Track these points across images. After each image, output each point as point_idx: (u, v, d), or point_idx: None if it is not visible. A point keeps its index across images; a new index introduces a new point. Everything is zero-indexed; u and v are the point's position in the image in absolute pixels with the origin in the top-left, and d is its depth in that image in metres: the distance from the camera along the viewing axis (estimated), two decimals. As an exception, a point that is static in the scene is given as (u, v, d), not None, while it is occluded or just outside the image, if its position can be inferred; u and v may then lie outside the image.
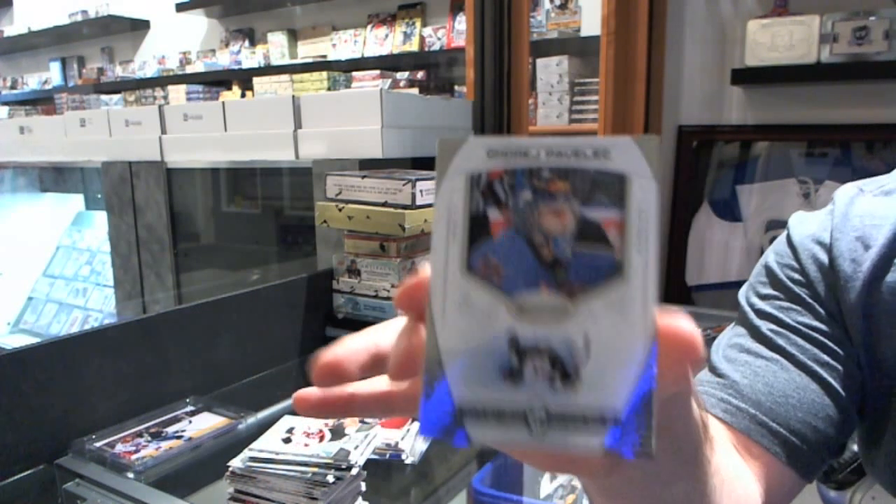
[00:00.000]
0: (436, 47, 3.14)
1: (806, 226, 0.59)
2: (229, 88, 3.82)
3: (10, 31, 4.82)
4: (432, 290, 0.23)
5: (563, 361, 0.22)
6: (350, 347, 0.27)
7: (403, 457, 0.89)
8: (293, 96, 1.58)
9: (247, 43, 3.82)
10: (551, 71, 2.25)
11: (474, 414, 0.22)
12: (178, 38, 4.13)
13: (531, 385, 0.22)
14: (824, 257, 0.56)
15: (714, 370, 0.57)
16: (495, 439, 0.22)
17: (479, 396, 0.22)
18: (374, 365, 0.27)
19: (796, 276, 0.57)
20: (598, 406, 0.22)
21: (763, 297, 0.58)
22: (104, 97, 4.30)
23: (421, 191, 1.24)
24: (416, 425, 0.95)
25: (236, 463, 0.74)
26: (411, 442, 0.91)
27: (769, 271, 0.59)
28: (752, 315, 0.58)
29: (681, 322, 0.22)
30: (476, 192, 0.24)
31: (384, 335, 0.27)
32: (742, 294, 0.61)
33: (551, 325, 0.22)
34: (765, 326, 0.56)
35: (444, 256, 0.23)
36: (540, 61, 2.27)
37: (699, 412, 0.31)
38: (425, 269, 0.24)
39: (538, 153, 0.23)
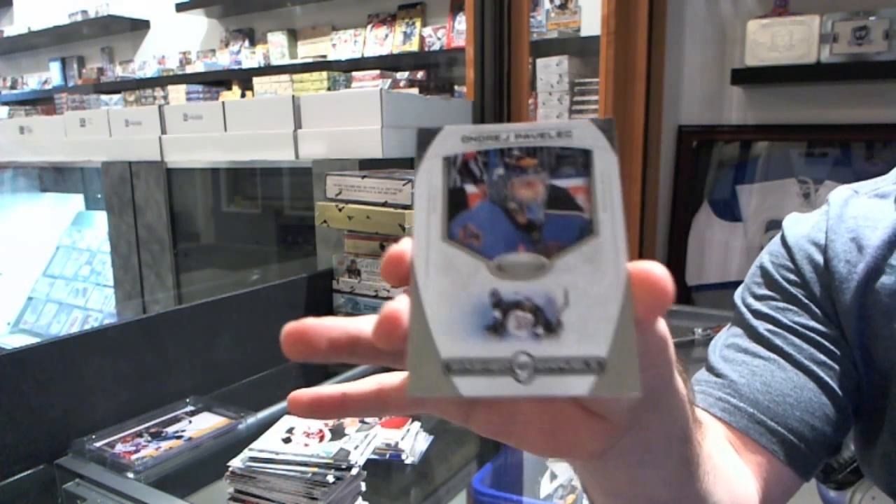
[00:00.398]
0: (436, 47, 3.13)
1: (800, 226, 0.59)
2: (229, 88, 3.82)
3: (10, 31, 4.82)
4: (415, 257, 0.24)
5: (545, 312, 0.23)
6: (323, 321, 0.27)
7: (403, 457, 0.89)
8: (293, 96, 1.58)
9: (247, 43, 3.82)
10: (551, 71, 2.25)
11: (462, 368, 0.23)
12: (178, 38, 4.13)
13: (515, 336, 0.23)
14: (819, 258, 0.56)
15: (712, 370, 0.58)
16: (484, 390, 0.23)
17: (465, 351, 0.23)
18: (352, 347, 0.26)
19: (792, 276, 0.57)
20: (582, 350, 0.23)
21: (759, 298, 0.58)
22: (104, 97, 4.30)
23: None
24: (417, 425, 0.95)
25: (236, 463, 0.74)
26: (411, 442, 0.91)
27: (764, 272, 0.59)
28: (748, 315, 0.58)
29: (650, 265, 0.24)
30: (453, 170, 0.26)
31: (370, 322, 0.27)
32: (738, 295, 0.61)
33: (531, 281, 0.24)
34: (762, 327, 0.56)
35: (425, 227, 0.25)
36: (540, 61, 2.27)
37: (684, 388, 0.32)
38: (406, 240, 0.25)
39: (508, 136, 0.26)
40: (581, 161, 0.25)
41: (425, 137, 0.26)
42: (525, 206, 0.25)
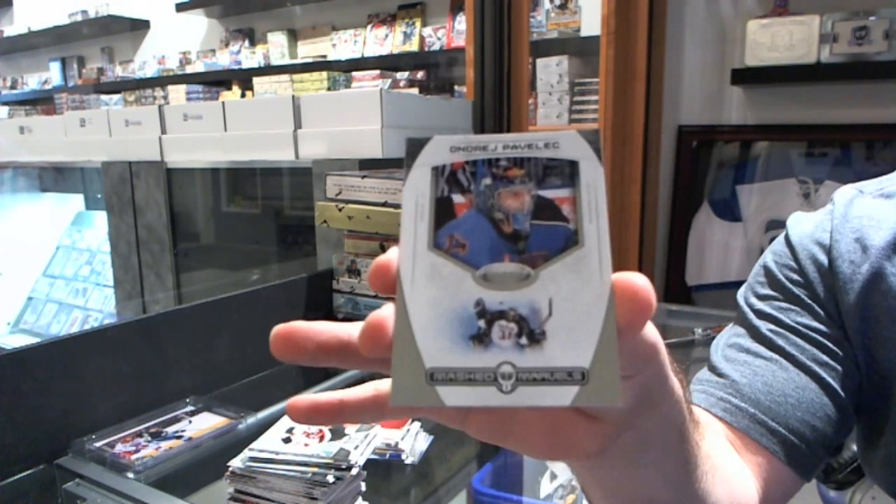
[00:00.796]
0: (436, 47, 3.13)
1: (804, 226, 0.59)
2: (229, 88, 3.82)
3: (10, 31, 4.82)
4: (401, 266, 0.25)
5: (529, 322, 0.24)
6: (312, 324, 0.27)
7: (403, 457, 0.89)
8: (293, 96, 1.58)
9: (247, 43, 3.82)
10: (551, 71, 2.25)
11: (445, 377, 0.23)
12: (178, 38, 4.13)
13: (499, 346, 0.23)
14: (823, 258, 0.56)
15: (714, 369, 0.57)
16: (467, 399, 0.23)
17: (449, 360, 0.23)
18: (340, 352, 0.27)
19: (795, 276, 0.57)
20: (564, 360, 0.23)
21: (762, 298, 0.58)
22: (104, 97, 4.30)
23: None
24: (417, 425, 0.95)
25: (236, 463, 0.74)
26: (411, 442, 0.91)
27: (768, 272, 0.59)
28: (751, 315, 0.58)
29: (633, 277, 0.24)
30: (441, 180, 0.26)
31: (359, 328, 0.27)
32: (741, 294, 0.61)
33: (515, 291, 0.24)
34: (764, 327, 0.56)
35: (412, 236, 0.25)
36: (540, 61, 2.27)
37: (680, 388, 0.32)
38: (393, 249, 0.25)
39: (496, 147, 0.26)
40: (568, 172, 0.26)
41: (414, 147, 0.26)
42: (511, 216, 0.25)
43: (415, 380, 0.23)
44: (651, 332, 0.26)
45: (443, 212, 0.25)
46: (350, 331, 0.27)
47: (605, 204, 0.25)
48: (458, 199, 0.26)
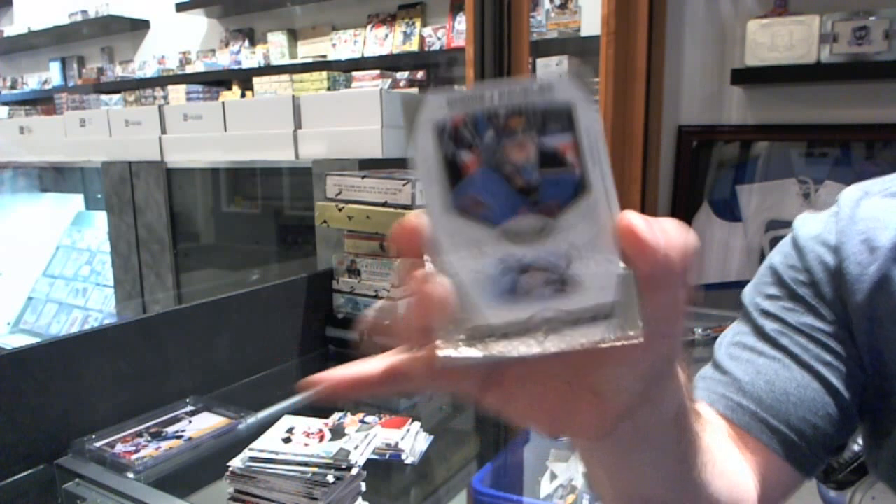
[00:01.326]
0: (436, 47, 3.13)
1: (811, 227, 0.59)
2: (229, 88, 3.82)
3: (10, 31, 4.82)
4: (426, 231, 0.26)
5: (554, 271, 0.25)
6: (343, 373, 0.29)
7: (403, 457, 0.89)
8: (293, 96, 1.58)
9: (247, 43, 3.82)
10: (551, 71, 2.25)
11: (481, 334, 0.25)
12: (178, 38, 4.13)
13: (528, 298, 0.25)
14: (830, 259, 0.56)
15: (717, 367, 0.58)
16: (504, 352, 0.24)
17: (483, 318, 0.25)
18: (375, 385, 0.29)
19: (801, 277, 0.57)
20: (590, 303, 0.25)
21: (767, 297, 0.58)
22: (104, 97, 4.30)
23: (421, 191, 1.24)
24: (417, 425, 0.95)
25: (236, 463, 0.74)
26: (411, 442, 0.91)
27: (774, 272, 0.59)
28: (756, 314, 0.58)
29: (627, 217, 0.25)
30: (445, 138, 0.26)
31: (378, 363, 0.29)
32: (746, 294, 0.61)
33: (536, 243, 0.25)
34: (769, 326, 0.56)
35: (431, 200, 0.26)
36: (540, 61, 2.27)
37: (684, 376, 0.33)
38: (414, 213, 0.26)
39: (492, 96, 0.26)
40: (565, 117, 0.26)
41: (411, 107, 0.27)
42: (520, 168, 0.26)
43: (454, 339, 0.24)
44: (671, 300, 0.27)
45: (454, 173, 0.26)
46: (376, 365, 0.29)
47: (605, 146, 0.26)
48: (466, 157, 0.26)
